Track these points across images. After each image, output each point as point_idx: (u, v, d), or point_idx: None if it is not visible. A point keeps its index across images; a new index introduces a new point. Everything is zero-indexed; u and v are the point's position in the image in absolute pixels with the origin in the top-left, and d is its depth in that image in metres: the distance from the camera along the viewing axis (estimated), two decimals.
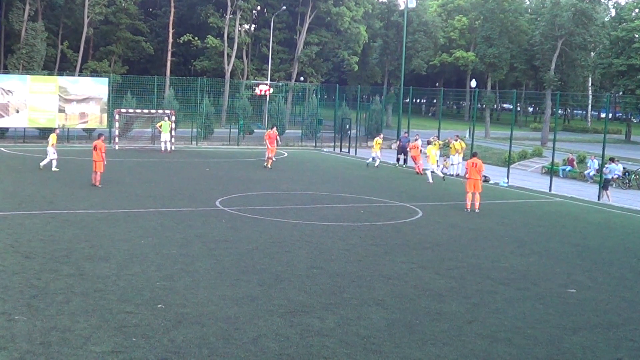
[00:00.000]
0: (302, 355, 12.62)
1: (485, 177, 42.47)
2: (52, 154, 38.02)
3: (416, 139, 46.59)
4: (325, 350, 12.89)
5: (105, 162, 33.06)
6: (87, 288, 15.92)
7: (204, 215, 26.05)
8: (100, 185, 32.26)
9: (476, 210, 30.09)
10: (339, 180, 39.28)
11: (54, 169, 37.74)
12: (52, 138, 38.58)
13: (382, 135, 51.38)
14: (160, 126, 51.98)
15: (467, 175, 31.23)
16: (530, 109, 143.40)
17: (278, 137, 48.55)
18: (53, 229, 22.46)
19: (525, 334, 14.46)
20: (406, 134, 50.86)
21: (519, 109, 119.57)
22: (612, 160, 41.11)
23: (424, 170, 42.93)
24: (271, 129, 47.00)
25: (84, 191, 30.83)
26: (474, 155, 31.88)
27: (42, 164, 38.08)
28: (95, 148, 33.04)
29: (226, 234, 22.78)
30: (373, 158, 47.26)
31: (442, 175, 39.73)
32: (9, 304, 14.56)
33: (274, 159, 45.24)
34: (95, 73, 77.32)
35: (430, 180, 39.75)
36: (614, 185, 41.37)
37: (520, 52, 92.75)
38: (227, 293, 16.04)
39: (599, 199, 37.23)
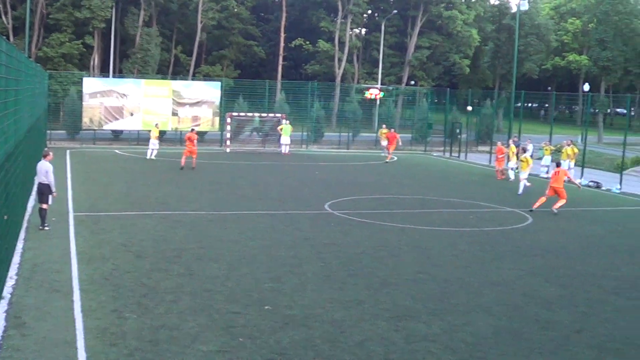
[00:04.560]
0: None
1: (596, 183, 41.82)
2: (154, 144, 44.14)
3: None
4: (430, 355, 12.84)
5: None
6: (196, 288, 16.19)
7: (313, 218, 26.21)
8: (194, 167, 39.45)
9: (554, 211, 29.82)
10: (448, 185, 39.06)
11: (152, 157, 44.00)
12: (155, 131, 44.91)
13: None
14: (281, 129, 52.65)
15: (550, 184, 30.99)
16: None
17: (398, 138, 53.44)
18: (164, 229, 22.91)
19: (635, 345, 14.15)
20: (516, 138, 50.05)
21: (633, 113, 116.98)
22: None
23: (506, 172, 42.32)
24: (389, 130, 54.72)
25: (195, 193, 31.35)
26: (558, 165, 31.79)
27: (148, 157, 43.94)
28: (189, 139, 40.54)
29: (334, 237, 22.87)
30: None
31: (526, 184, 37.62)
32: (120, 302, 14.91)
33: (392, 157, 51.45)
34: (207, 77, 78.34)
35: (520, 192, 36.13)
36: None
37: (634, 56, 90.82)
38: (334, 296, 16.12)
39: None
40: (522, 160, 37.04)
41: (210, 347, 12.59)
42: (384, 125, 57.61)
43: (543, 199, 30.39)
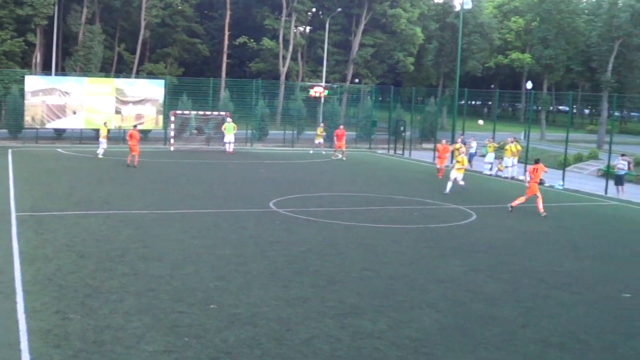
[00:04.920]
0: (353, 357, 12.61)
1: (540, 180, 42.23)
2: (103, 143, 44.43)
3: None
4: (377, 352, 12.87)
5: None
6: (140, 287, 16.07)
7: (258, 217, 26.16)
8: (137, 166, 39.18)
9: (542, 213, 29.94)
10: (393, 183, 39.22)
11: (100, 156, 43.82)
12: (103, 129, 45.25)
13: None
14: (224, 128, 52.47)
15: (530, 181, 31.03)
16: (587, 111, 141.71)
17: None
18: (108, 228, 22.71)
19: (578, 339, 14.30)
20: (462, 137, 50.44)
21: (575, 111, 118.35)
22: (623, 156, 41.62)
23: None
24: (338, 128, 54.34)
25: (139, 191, 31.17)
26: (537, 162, 31.83)
27: (98, 152, 44.07)
28: (130, 136, 40.74)
29: (280, 236, 22.85)
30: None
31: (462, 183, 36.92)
32: (64, 303, 14.74)
33: (338, 155, 51.83)
34: (151, 75, 77.84)
35: (447, 190, 34.94)
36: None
37: (576, 54, 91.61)
38: (279, 294, 16.09)
39: (605, 193, 38.92)
40: (457, 161, 36.33)
41: (156, 347, 12.49)
42: (322, 124, 57.51)
43: (523, 198, 30.54)
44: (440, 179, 40.14)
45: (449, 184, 35.03)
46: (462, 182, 35.07)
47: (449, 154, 43.32)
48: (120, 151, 45.23)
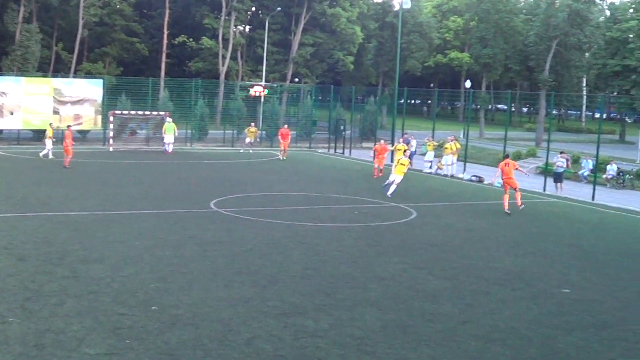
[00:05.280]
0: (295, 356, 12.62)
1: (478, 177, 42.70)
2: (49, 144, 44.09)
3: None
4: (319, 351, 12.89)
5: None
6: (81, 290, 15.91)
7: (198, 217, 26.06)
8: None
9: (520, 207, 30.30)
10: (333, 182, 39.31)
11: (50, 157, 43.77)
12: (49, 130, 44.80)
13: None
14: (164, 128, 52.10)
15: (503, 177, 31.33)
16: (525, 110, 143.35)
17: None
18: (47, 230, 22.44)
19: (519, 334, 14.47)
20: (406, 135, 50.37)
21: (513, 109, 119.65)
22: (561, 153, 42.41)
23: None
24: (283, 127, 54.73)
25: (78, 193, 30.83)
26: (506, 157, 32.32)
27: (41, 154, 43.67)
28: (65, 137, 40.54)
29: (220, 236, 22.78)
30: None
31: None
32: (3, 306, 14.53)
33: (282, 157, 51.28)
34: (89, 75, 77.19)
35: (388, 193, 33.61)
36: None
37: (514, 53, 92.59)
38: (221, 294, 16.05)
39: (544, 190, 39.61)
40: (402, 163, 35.60)
41: (97, 350, 12.38)
42: (252, 124, 57.20)
43: (506, 196, 30.83)
44: (375, 178, 40.25)
45: (393, 187, 33.64)
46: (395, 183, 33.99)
47: (387, 154, 43.23)
48: (60, 152, 44.68)
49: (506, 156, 32.83)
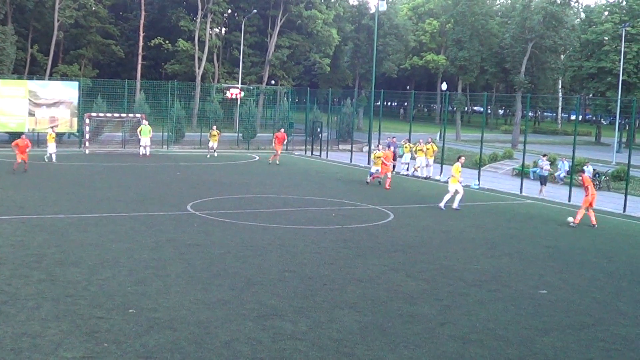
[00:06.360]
0: (274, 359, 12.59)
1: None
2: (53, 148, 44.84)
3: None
4: (298, 354, 12.87)
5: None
6: (57, 293, 15.82)
7: (176, 220, 25.98)
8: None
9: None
10: (311, 184, 39.30)
11: (54, 160, 44.07)
12: (50, 136, 45.47)
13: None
14: (140, 131, 51.83)
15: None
16: (501, 112, 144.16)
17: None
18: (23, 234, 22.30)
19: (497, 335, 14.51)
20: (394, 139, 49.50)
21: (489, 111, 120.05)
22: (544, 156, 42.67)
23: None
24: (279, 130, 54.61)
25: (54, 195, 30.66)
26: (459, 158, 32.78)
27: (46, 157, 44.42)
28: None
29: (197, 238, 22.71)
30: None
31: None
32: None
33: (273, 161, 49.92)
34: (65, 77, 76.90)
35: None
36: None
37: (490, 55, 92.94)
38: (198, 297, 15.99)
39: (521, 192, 39.92)
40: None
41: (75, 354, 12.31)
42: (214, 127, 55.25)
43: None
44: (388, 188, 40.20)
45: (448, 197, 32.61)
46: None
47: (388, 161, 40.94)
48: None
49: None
